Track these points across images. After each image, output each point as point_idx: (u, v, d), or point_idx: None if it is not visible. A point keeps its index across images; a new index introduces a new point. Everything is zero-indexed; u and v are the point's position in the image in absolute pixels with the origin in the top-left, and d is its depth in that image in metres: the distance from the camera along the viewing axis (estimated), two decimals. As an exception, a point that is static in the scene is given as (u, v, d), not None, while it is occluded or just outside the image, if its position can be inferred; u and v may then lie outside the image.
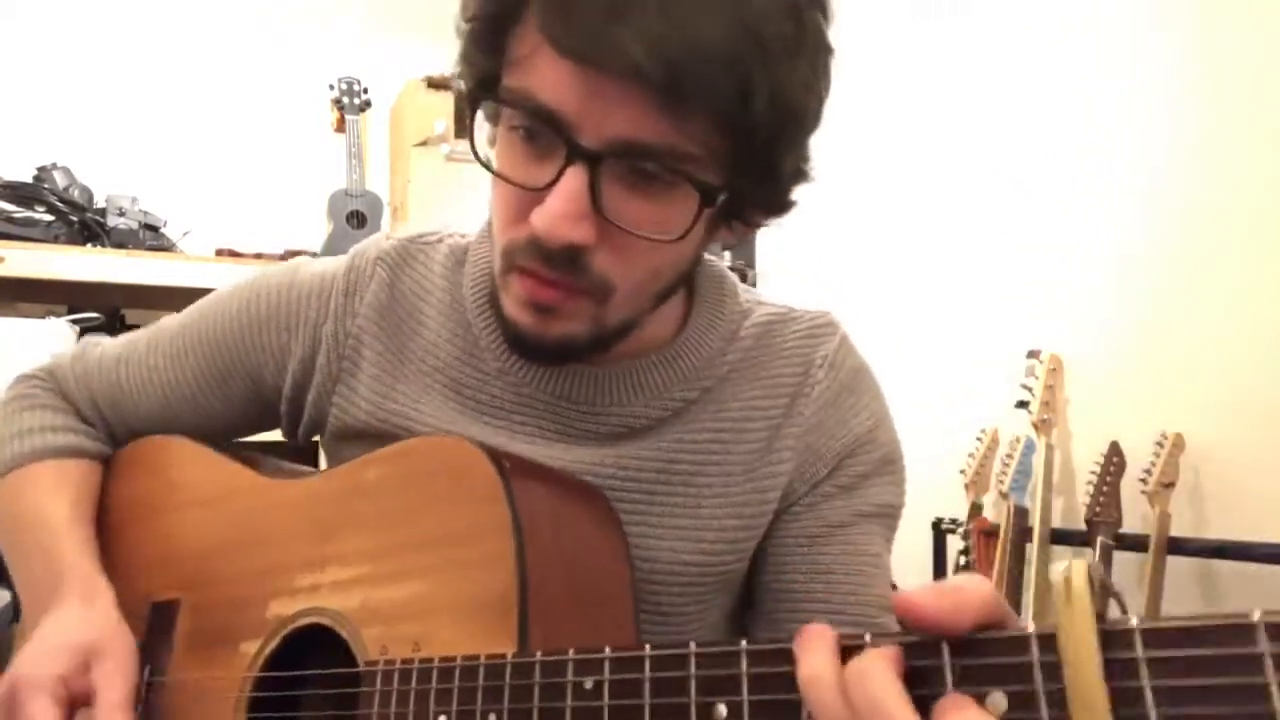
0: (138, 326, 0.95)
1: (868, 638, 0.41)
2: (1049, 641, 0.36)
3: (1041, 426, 2.15)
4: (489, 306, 0.77)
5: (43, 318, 2.13)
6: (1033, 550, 2.07)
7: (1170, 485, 1.91)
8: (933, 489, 2.36)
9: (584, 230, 0.61)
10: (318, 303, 0.82)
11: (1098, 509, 1.98)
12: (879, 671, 0.39)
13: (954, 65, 2.64)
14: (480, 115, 0.69)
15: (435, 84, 2.71)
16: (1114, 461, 2.01)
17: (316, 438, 0.85)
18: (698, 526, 0.76)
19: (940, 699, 0.38)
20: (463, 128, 2.72)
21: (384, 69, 2.71)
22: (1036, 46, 2.40)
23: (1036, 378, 2.18)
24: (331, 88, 2.56)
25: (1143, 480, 1.93)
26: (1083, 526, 2.02)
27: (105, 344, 0.92)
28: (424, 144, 2.65)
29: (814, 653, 0.42)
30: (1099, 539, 1.96)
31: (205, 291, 0.89)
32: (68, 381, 0.90)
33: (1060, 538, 2.12)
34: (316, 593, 0.70)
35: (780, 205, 0.71)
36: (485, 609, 0.60)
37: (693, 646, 0.47)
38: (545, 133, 0.62)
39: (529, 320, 0.67)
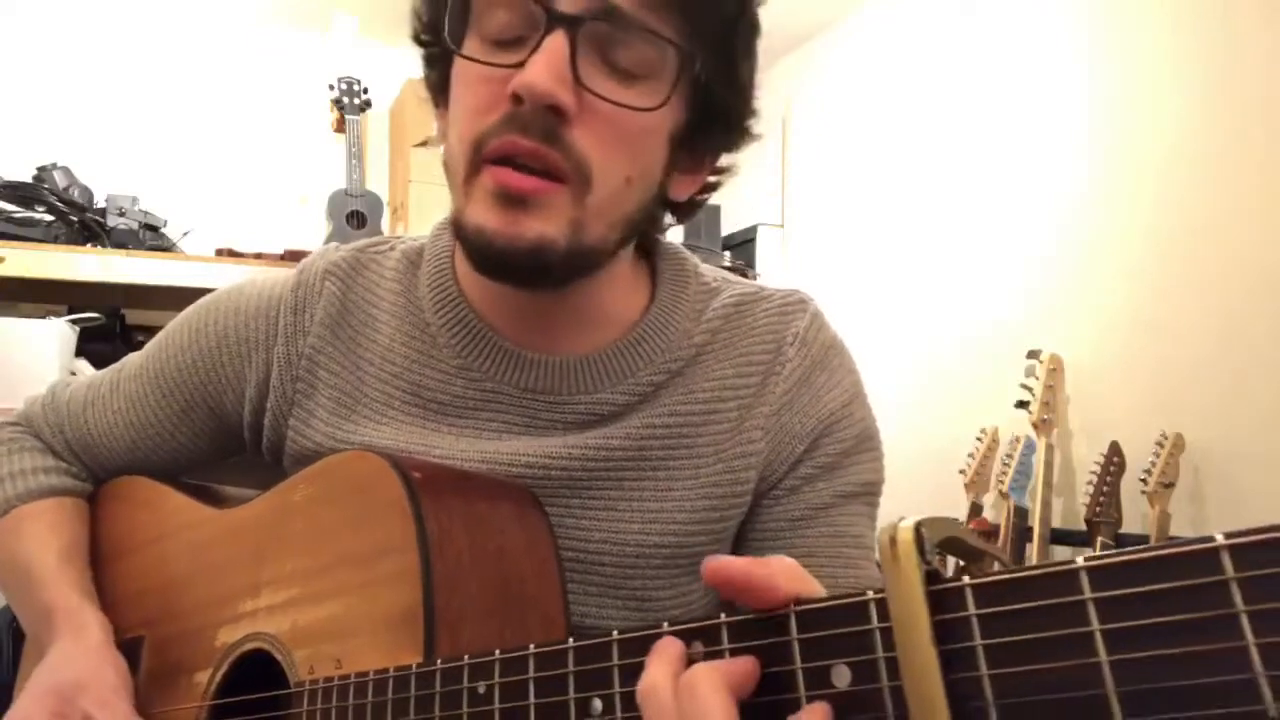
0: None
1: (722, 616, 0.41)
2: (886, 606, 0.34)
3: (1041, 426, 2.12)
4: (448, 301, 0.77)
5: (43, 318, 2.13)
6: (1033, 550, 2.05)
7: (1170, 485, 1.89)
8: (933, 489, 2.34)
9: (566, 93, 0.62)
10: (266, 323, 0.81)
11: (1098, 509, 1.95)
12: (708, 685, 0.39)
13: (956, 67, 2.62)
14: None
15: (435, 84, 2.71)
16: (1114, 461, 1.98)
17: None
18: (669, 509, 0.74)
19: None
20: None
21: (384, 69, 2.71)
22: (1043, 50, 2.37)
23: (1036, 378, 2.16)
24: (331, 88, 2.56)
25: (1143, 480, 1.91)
26: (1083, 526, 2.00)
27: (74, 386, 0.93)
28: (424, 144, 2.64)
29: (656, 664, 0.42)
30: (1099, 539, 1.94)
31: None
32: (43, 429, 0.91)
33: (1060, 538, 2.10)
34: (256, 618, 0.72)
35: (739, 122, 0.73)
36: (396, 624, 0.60)
37: (571, 641, 0.47)
38: (520, 15, 0.63)
39: (499, 221, 0.64)
